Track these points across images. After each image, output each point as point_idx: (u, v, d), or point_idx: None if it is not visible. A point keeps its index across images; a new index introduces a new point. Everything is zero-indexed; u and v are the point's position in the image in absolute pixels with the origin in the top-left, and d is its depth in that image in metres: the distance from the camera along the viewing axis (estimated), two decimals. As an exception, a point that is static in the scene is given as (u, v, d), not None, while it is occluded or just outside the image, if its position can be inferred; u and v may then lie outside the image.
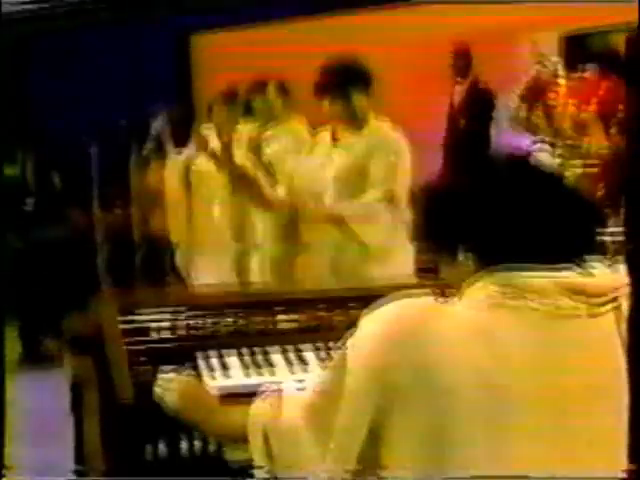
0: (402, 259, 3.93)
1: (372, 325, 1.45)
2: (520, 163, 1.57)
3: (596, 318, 1.42)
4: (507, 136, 6.67)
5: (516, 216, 1.44)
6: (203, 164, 5.18)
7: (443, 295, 1.47)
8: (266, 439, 1.65)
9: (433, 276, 1.58)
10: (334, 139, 3.98)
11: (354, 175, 3.89)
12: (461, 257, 1.48)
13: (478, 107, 7.04)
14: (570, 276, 1.42)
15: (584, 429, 1.38)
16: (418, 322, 1.41)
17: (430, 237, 1.56)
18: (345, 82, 3.86)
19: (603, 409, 1.40)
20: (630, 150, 6.25)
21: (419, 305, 1.44)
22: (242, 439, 1.72)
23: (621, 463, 1.42)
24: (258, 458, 1.67)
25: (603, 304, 1.42)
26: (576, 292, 1.41)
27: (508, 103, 6.66)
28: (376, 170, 3.84)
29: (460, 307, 1.43)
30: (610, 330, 1.43)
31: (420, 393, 1.36)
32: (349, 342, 1.48)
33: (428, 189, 1.58)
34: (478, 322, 1.40)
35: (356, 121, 3.90)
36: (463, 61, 7.14)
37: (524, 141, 6.28)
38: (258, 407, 1.73)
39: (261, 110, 4.98)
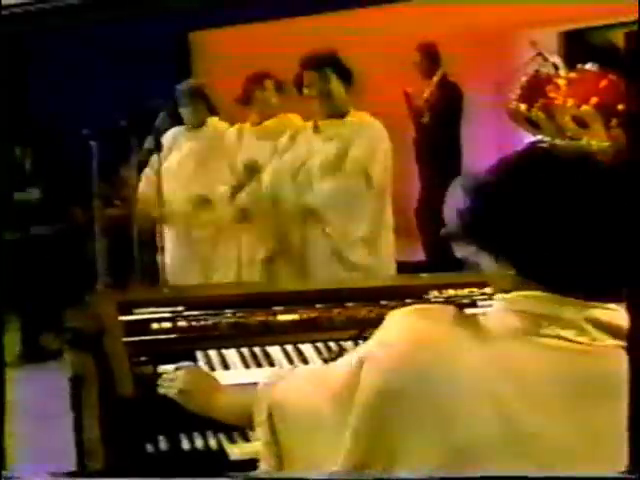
0: (384, 248, 3.96)
1: (391, 343, 1.34)
2: (582, 168, 1.40)
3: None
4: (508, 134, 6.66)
5: (562, 231, 1.30)
6: (174, 161, 5.25)
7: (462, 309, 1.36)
8: (270, 415, 1.62)
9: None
10: (315, 129, 4.03)
11: (339, 162, 3.94)
12: (500, 261, 1.36)
13: (445, 104, 7.03)
14: (604, 312, 1.32)
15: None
16: (438, 352, 1.29)
17: (472, 234, 1.39)
18: (322, 65, 3.93)
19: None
20: (631, 146, 6.23)
21: (441, 330, 1.32)
22: (248, 420, 1.70)
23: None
24: (262, 435, 1.63)
25: None
26: (609, 329, 1.31)
27: (507, 100, 6.66)
28: (354, 153, 3.89)
29: (487, 333, 1.31)
30: None
31: (437, 425, 1.27)
32: (367, 350, 1.38)
33: (479, 183, 1.39)
34: (505, 355, 1.29)
35: (336, 110, 3.96)
36: (429, 61, 7.11)
37: (524, 139, 6.28)
38: (266, 383, 1.70)
39: (259, 102, 5.02)
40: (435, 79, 7.14)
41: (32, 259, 6.60)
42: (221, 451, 2.01)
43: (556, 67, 6.56)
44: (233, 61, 7.65)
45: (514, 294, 1.33)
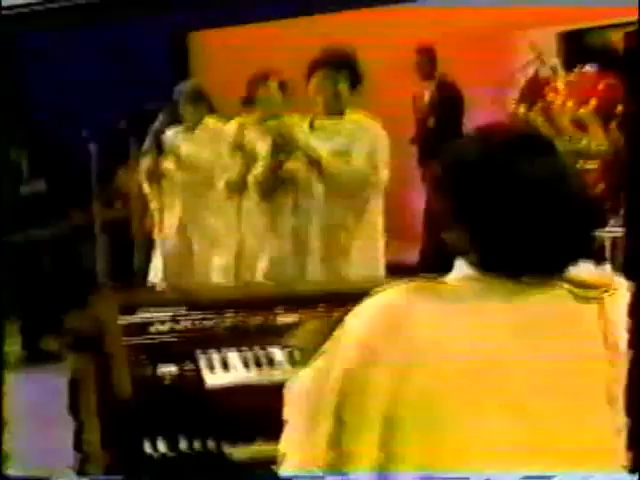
0: (372, 253, 3.96)
1: (365, 307, 1.47)
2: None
3: (576, 301, 1.42)
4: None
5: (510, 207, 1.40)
6: (169, 163, 5.27)
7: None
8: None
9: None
10: (311, 127, 4.05)
11: (335, 160, 3.95)
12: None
13: (446, 106, 7.07)
14: None
15: (566, 409, 1.39)
16: (405, 303, 1.42)
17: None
18: (339, 66, 3.93)
19: (581, 389, 1.41)
20: (629, 148, 6.24)
21: (409, 287, 1.45)
22: None
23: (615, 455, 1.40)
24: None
25: (585, 292, 1.42)
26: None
27: (506, 102, 6.68)
28: (358, 158, 3.89)
29: (447, 283, 1.45)
30: (590, 318, 1.42)
31: (409, 371, 1.37)
32: (344, 323, 1.48)
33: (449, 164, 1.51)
34: (462, 295, 1.42)
35: (336, 110, 3.96)
36: (427, 62, 7.19)
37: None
38: None
39: (263, 102, 5.01)
40: (434, 81, 7.18)
41: (32, 261, 6.61)
42: (220, 453, 2.02)
43: (555, 69, 6.58)
44: (231, 61, 7.66)
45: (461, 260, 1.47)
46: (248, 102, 5.20)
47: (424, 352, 1.37)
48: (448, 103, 7.10)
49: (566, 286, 1.42)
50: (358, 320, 1.46)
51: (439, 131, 6.97)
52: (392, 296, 1.45)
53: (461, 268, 1.46)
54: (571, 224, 1.42)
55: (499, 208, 1.41)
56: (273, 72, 5.03)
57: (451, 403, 1.36)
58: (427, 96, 7.24)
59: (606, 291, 1.43)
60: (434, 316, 1.40)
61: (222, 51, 8.47)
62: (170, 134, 5.44)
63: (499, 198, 1.40)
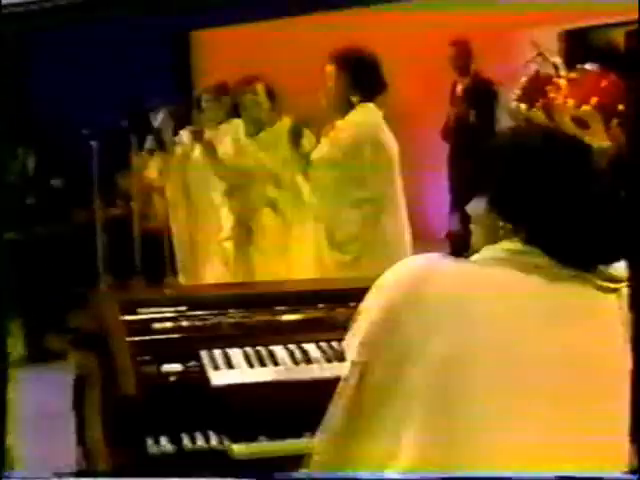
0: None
1: (387, 275, 1.48)
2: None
3: (601, 292, 1.45)
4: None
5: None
6: (199, 160, 5.21)
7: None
8: None
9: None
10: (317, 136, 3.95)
11: (329, 170, 3.84)
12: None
13: (483, 102, 7.07)
14: None
15: (587, 397, 1.40)
16: (424, 270, 1.44)
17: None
18: (341, 65, 3.80)
19: (603, 379, 1.42)
20: (631, 146, 6.26)
21: (430, 257, 1.48)
22: None
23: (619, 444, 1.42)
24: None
25: (609, 284, 1.45)
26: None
27: (508, 99, 6.68)
28: (354, 172, 3.77)
29: (472, 263, 1.47)
30: (612, 310, 1.45)
31: (425, 336, 1.38)
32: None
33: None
34: (486, 274, 1.44)
35: (341, 107, 3.81)
36: (463, 58, 7.18)
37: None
38: None
39: (250, 108, 4.97)
40: (470, 77, 7.18)
41: (35, 260, 6.62)
42: (224, 451, 2.02)
43: (556, 67, 6.57)
44: (233, 61, 7.66)
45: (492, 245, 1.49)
46: (234, 110, 5.15)
47: (443, 319, 1.38)
48: (485, 98, 7.06)
49: (589, 277, 1.44)
50: (378, 291, 1.47)
51: (478, 127, 6.89)
52: (413, 263, 1.47)
53: (485, 253, 1.47)
54: (610, 222, 1.46)
55: (549, 198, 1.46)
56: (259, 78, 4.97)
57: (467, 376, 1.36)
58: (462, 90, 7.18)
59: (625, 283, 1.46)
60: (453, 283, 1.42)
61: (224, 50, 8.46)
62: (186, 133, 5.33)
63: (551, 188, 1.46)
